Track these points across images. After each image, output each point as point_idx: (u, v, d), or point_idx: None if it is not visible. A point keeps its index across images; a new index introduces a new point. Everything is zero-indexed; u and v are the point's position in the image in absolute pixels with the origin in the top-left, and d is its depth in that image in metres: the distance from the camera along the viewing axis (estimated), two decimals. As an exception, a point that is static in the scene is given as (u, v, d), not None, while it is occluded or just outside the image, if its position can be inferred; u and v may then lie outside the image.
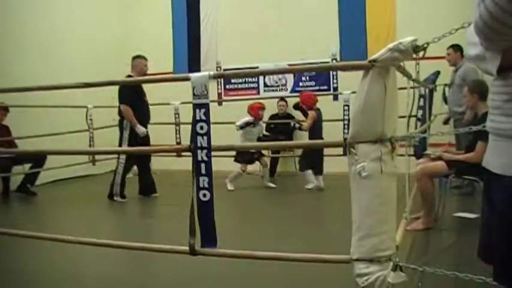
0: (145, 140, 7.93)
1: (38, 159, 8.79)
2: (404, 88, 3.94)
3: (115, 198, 7.91)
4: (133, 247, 3.85)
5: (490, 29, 1.48)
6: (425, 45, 2.73)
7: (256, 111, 8.82)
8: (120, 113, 8.00)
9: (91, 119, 10.13)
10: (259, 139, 9.86)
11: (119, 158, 8.10)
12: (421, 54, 2.78)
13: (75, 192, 9.32)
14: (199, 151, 3.22)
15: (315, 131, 8.39)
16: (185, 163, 9.73)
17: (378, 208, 2.86)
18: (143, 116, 7.96)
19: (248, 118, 8.72)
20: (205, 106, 3.18)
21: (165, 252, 3.72)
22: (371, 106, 2.82)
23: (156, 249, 3.76)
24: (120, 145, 7.98)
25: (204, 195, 3.26)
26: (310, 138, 8.40)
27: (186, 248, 3.35)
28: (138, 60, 8.08)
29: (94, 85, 3.97)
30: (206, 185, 3.24)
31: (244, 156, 8.62)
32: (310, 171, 8.36)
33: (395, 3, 9.51)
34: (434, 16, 9.22)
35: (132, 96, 7.76)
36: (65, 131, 9.18)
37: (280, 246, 3.84)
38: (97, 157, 10.26)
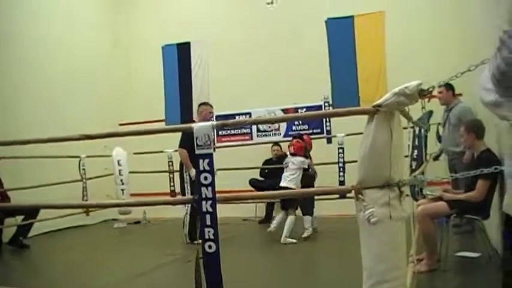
0: None
1: (30, 211, 8.66)
2: (405, 128, 3.92)
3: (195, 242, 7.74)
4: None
5: (508, 78, 1.47)
6: (431, 89, 2.73)
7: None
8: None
9: (84, 169, 10.07)
10: (252, 184, 9.80)
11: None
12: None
13: (70, 242, 9.18)
14: (204, 202, 3.18)
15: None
16: (178, 212, 9.75)
17: (388, 254, 2.81)
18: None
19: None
20: (209, 156, 3.16)
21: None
22: (377, 151, 2.80)
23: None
24: (182, 187, 8.18)
25: (210, 247, 3.20)
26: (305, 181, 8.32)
27: (193, 302, 3.28)
28: (204, 107, 8.23)
29: (95, 137, 3.91)
30: (212, 237, 3.19)
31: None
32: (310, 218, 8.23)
33: (385, 45, 9.60)
34: (425, 55, 9.34)
35: (190, 142, 7.75)
36: (58, 181, 9.08)
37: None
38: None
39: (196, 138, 3.17)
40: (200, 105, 8.42)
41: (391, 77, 9.40)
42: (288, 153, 8.38)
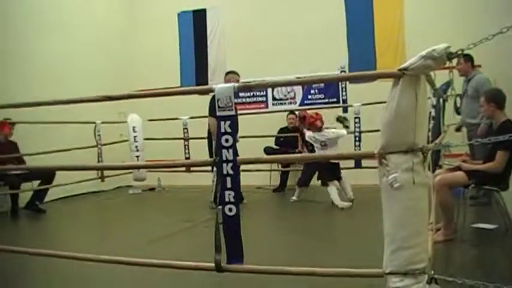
0: None
1: (46, 175, 8.73)
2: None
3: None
4: (155, 264, 3.69)
5: None
6: (460, 52, 2.66)
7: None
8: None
9: (99, 135, 10.09)
10: (267, 152, 9.82)
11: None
12: (454, 61, 2.70)
13: (84, 208, 9.24)
14: (224, 164, 3.16)
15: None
16: (194, 178, 9.75)
17: (411, 219, 2.79)
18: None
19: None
20: (231, 118, 3.13)
21: (189, 270, 3.62)
22: (402, 116, 2.75)
23: (180, 266, 3.62)
24: (210, 154, 7.90)
25: (230, 210, 3.19)
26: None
27: (212, 264, 3.27)
28: (231, 75, 8.15)
29: (115, 98, 3.87)
30: (232, 199, 3.18)
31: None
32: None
33: (403, 13, 9.48)
34: (444, 25, 9.20)
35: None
36: (73, 147, 9.11)
37: (308, 261, 3.74)
38: (106, 173, 10.21)
39: (218, 100, 3.14)
40: (227, 73, 8.34)
41: (409, 47, 9.31)
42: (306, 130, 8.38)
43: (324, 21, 10.31)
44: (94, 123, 10.00)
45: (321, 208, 8.12)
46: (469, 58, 7.49)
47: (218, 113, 3.15)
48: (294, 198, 8.53)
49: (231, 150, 3.14)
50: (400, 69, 2.73)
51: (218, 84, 3.36)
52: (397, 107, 2.75)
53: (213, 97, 3.22)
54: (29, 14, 9.66)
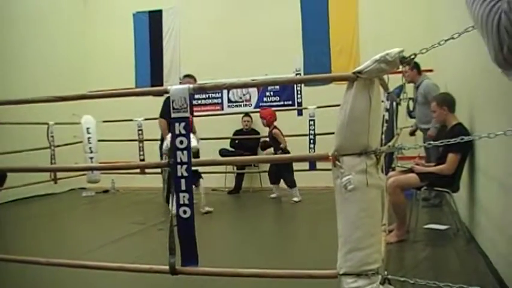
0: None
1: (-3, 177, 8.53)
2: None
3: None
4: (108, 267, 3.66)
5: None
6: (413, 56, 2.71)
7: None
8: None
9: (52, 136, 9.92)
10: (223, 154, 9.82)
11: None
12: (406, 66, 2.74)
13: (37, 211, 9.05)
14: (179, 166, 3.14)
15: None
16: (148, 180, 9.66)
17: (364, 221, 2.82)
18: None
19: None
20: (185, 120, 3.11)
21: (143, 272, 3.58)
22: (356, 118, 2.78)
23: (134, 269, 3.59)
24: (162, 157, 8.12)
25: (185, 212, 3.17)
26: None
27: (166, 267, 3.25)
28: (187, 79, 8.09)
29: (69, 98, 3.79)
30: (186, 202, 3.16)
31: None
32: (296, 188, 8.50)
33: (358, 17, 9.60)
34: (398, 29, 9.34)
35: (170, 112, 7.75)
36: (25, 149, 8.92)
37: (262, 263, 3.75)
38: (59, 175, 10.03)
39: (173, 101, 3.12)
40: (184, 77, 8.36)
41: (363, 50, 9.43)
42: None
43: (280, 23, 10.36)
44: (47, 124, 9.81)
45: (276, 209, 8.16)
46: (415, 65, 7.61)
47: (173, 115, 3.13)
48: (296, 199, 8.51)
49: (185, 152, 3.13)
50: (354, 73, 2.77)
51: (173, 85, 3.34)
52: (351, 109, 2.78)
53: (167, 98, 3.20)
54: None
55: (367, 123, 2.80)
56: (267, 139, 9.19)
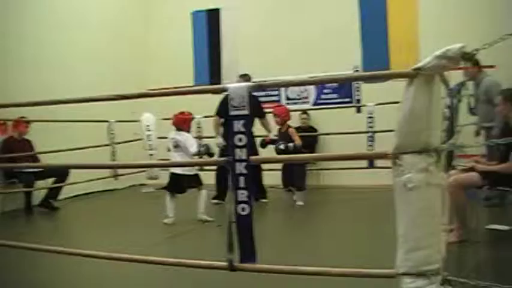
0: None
1: (61, 173, 8.78)
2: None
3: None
4: (168, 262, 3.72)
5: None
6: (475, 52, 2.65)
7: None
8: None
9: (113, 134, 10.13)
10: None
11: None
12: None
13: (97, 206, 9.28)
14: (237, 164, 3.16)
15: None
16: (205, 177, 9.75)
17: (425, 220, 2.77)
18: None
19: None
20: (245, 117, 3.13)
21: (201, 268, 3.62)
22: (416, 116, 2.73)
23: (193, 264, 3.62)
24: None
25: (243, 209, 3.19)
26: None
27: (225, 263, 3.28)
28: (245, 78, 8.43)
29: (131, 97, 3.84)
30: (245, 199, 3.18)
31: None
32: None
33: (418, 12, 9.43)
34: (459, 24, 9.14)
35: (225, 110, 7.82)
36: (87, 146, 9.16)
37: (320, 261, 3.73)
38: (119, 172, 10.25)
39: (231, 99, 3.14)
40: (241, 76, 8.61)
41: (423, 46, 9.26)
42: None
43: (338, 20, 10.29)
44: (107, 121, 10.03)
45: (330, 209, 8.12)
46: (475, 62, 7.40)
47: (232, 113, 3.15)
48: (301, 203, 8.41)
49: (244, 150, 3.14)
50: (414, 69, 2.72)
51: (231, 83, 3.36)
52: (411, 107, 2.74)
53: (225, 97, 3.23)
54: (42, 12, 9.79)
55: (428, 121, 2.74)
56: (271, 136, 8.97)
